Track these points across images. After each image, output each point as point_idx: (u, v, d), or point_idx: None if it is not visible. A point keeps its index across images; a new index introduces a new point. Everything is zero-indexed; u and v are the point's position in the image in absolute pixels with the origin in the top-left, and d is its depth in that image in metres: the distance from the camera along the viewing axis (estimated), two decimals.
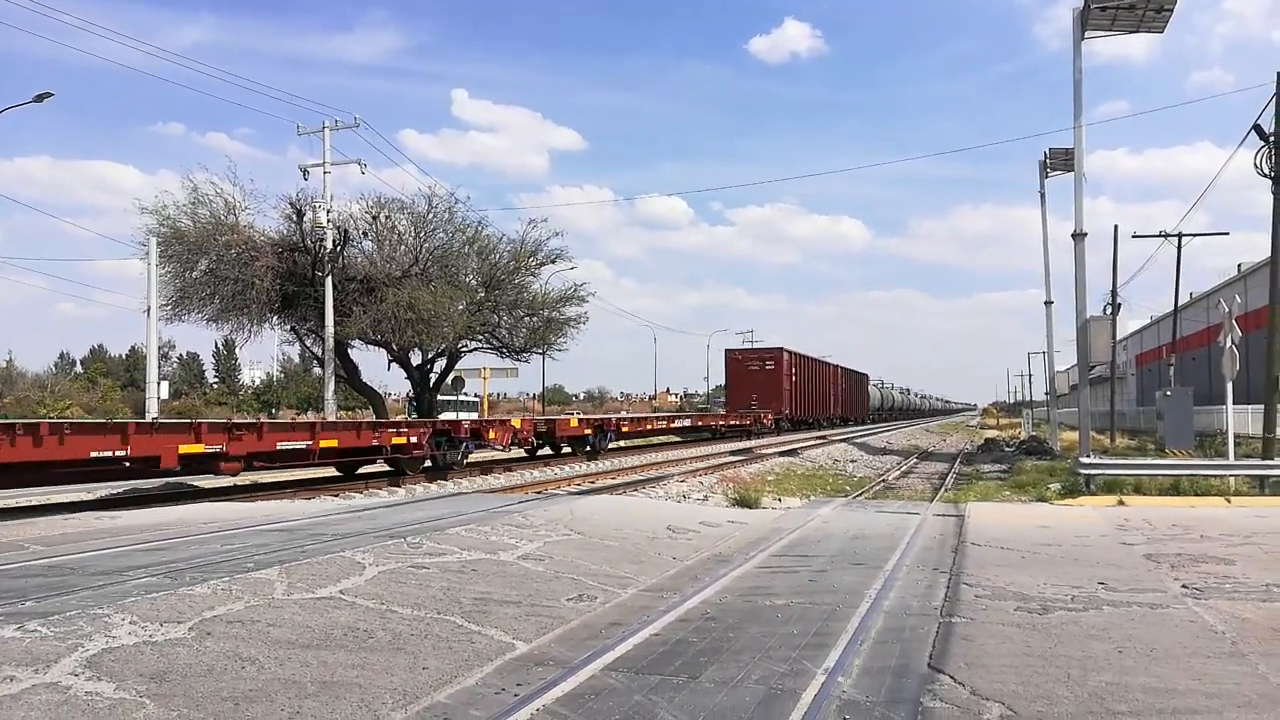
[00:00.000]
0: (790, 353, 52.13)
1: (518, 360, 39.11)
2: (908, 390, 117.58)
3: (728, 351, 54.35)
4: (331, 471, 19.05)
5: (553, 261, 36.21)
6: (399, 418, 31.72)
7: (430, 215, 32.75)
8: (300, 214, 29.70)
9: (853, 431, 56.97)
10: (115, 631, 5.20)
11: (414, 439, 18.58)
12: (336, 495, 15.62)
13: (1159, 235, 34.10)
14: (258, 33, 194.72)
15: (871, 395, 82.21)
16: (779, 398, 48.53)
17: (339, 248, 29.13)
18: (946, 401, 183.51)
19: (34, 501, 14.40)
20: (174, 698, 4.40)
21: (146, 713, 4.20)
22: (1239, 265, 46.08)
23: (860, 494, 19.66)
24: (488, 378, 35.10)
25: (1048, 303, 36.16)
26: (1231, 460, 16.52)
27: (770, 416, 46.10)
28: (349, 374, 33.69)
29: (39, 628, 5.12)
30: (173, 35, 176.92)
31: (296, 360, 73.12)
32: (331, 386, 30.11)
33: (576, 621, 6.45)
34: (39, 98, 25.75)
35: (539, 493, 15.94)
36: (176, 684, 4.58)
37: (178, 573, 6.81)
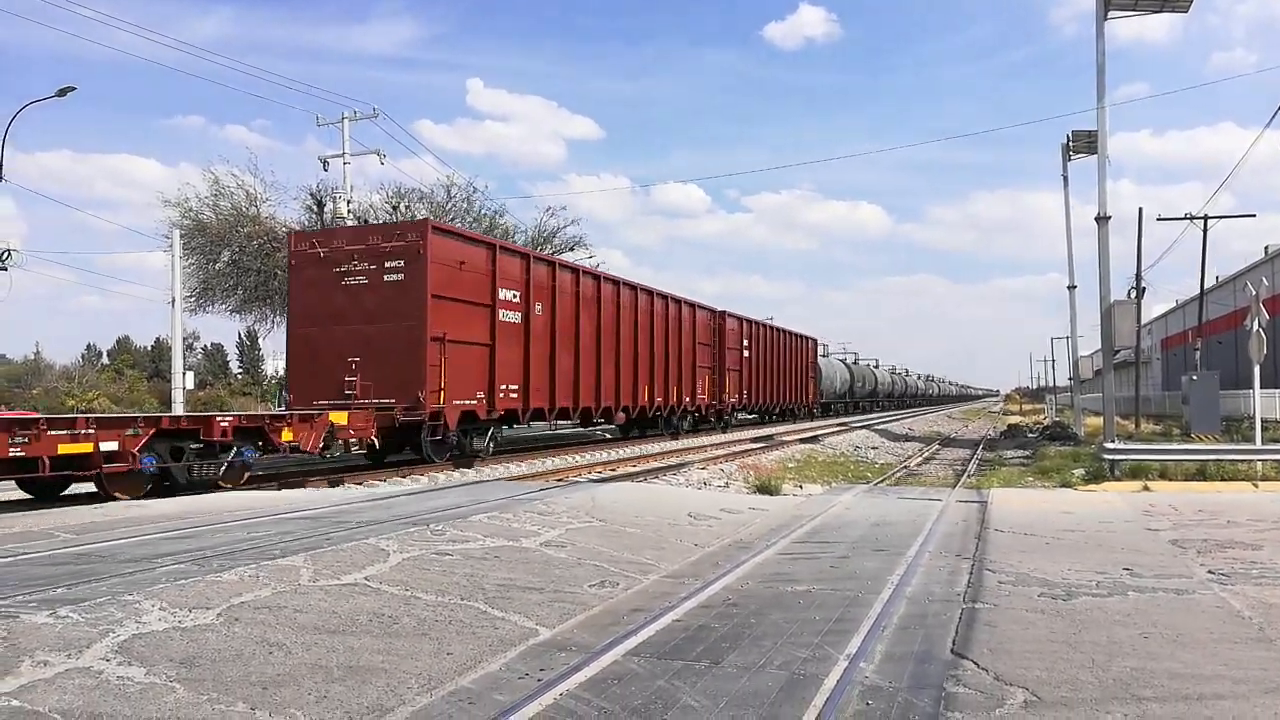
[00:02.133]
0: (488, 244, 20.11)
1: None
2: (905, 372, 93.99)
3: (290, 239, 19.96)
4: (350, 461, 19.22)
5: (570, 249, 36.38)
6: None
7: (449, 204, 32.97)
8: (321, 205, 29.95)
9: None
10: (145, 617, 5.27)
11: None
12: (360, 484, 15.79)
13: (1184, 218, 33.65)
14: (273, 24, 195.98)
15: (826, 374, 52.73)
16: (416, 366, 17.36)
17: None
18: (965, 387, 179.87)
19: (62, 492, 14.57)
20: (204, 682, 4.47)
21: (177, 697, 4.27)
22: (1265, 248, 45.44)
23: (882, 480, 19.60)
24: None
25: (1071, 287, 35.81)
26: (1259, 445, 16.32)
27: (367, 424, 16.43)
28: None
29: (70, 614, 5.20)
30: (191, 28, 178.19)
31: None
32: None
33: (599, 607, 6.48)
34: (61, 92, 25.84)
35: (560, 480, 16.03)
36: (206, 669, 4.65)
37: (205, 560, 6.90)
